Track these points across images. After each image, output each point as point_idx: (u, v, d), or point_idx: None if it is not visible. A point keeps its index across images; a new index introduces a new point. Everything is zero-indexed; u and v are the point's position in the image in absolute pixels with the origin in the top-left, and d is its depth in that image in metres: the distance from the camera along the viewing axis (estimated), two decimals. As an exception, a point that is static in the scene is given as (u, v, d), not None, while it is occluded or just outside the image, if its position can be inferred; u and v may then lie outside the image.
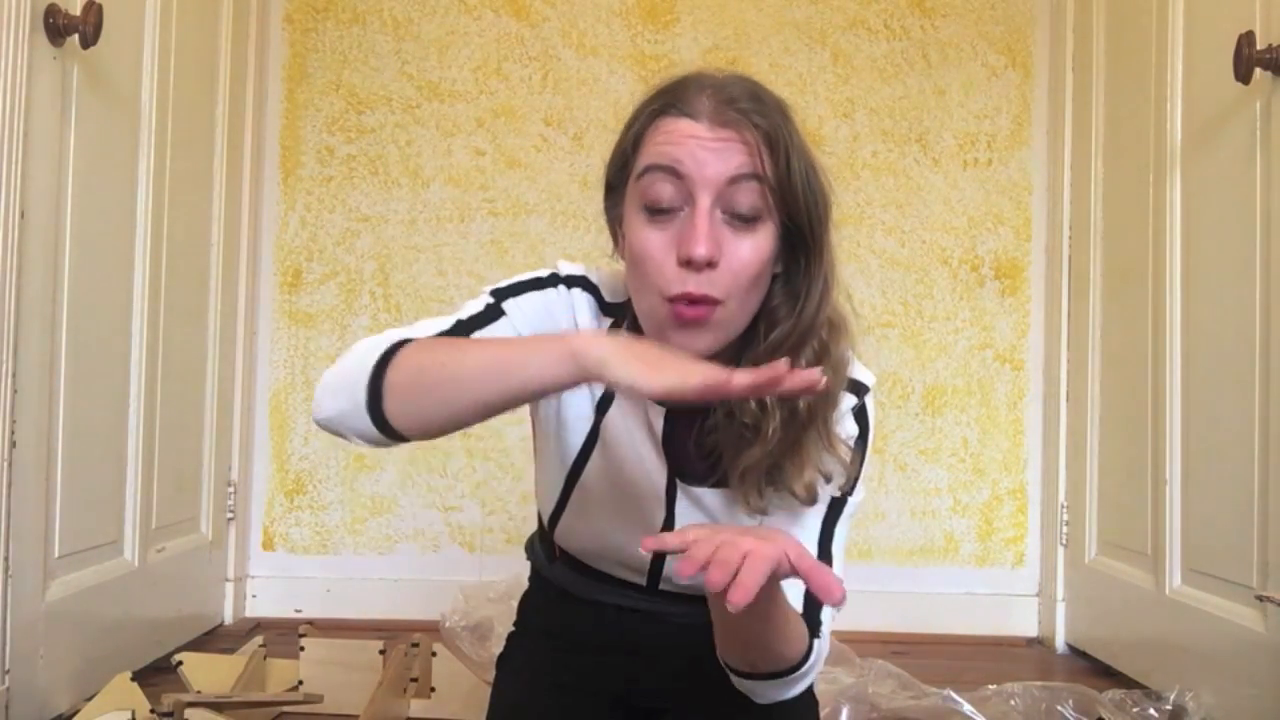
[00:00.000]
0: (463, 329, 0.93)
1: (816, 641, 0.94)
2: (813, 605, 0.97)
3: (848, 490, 0.99)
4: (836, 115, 2.35)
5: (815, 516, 0.99)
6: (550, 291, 0.99)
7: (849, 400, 0.97)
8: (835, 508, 1.00)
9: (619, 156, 0.95)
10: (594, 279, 1.01)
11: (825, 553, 0.99)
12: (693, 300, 0.87)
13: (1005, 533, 2.36)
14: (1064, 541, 2.26)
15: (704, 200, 0.87)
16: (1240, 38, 1.56)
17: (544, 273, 1.01)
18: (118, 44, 1.69)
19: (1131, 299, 2.01)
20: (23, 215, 1.46)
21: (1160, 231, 1.89)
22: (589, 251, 2.33)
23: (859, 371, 0.99)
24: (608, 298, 1.01)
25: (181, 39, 1.92)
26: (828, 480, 0.95)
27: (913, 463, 2.35)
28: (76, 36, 1.54)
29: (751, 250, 0.88)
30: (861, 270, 2.33)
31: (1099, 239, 2.17)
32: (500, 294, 0.97)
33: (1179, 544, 1.82)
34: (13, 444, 1.45)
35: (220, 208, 2.15)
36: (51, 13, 1.50)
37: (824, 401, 0.92)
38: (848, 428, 0.98)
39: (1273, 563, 1.55)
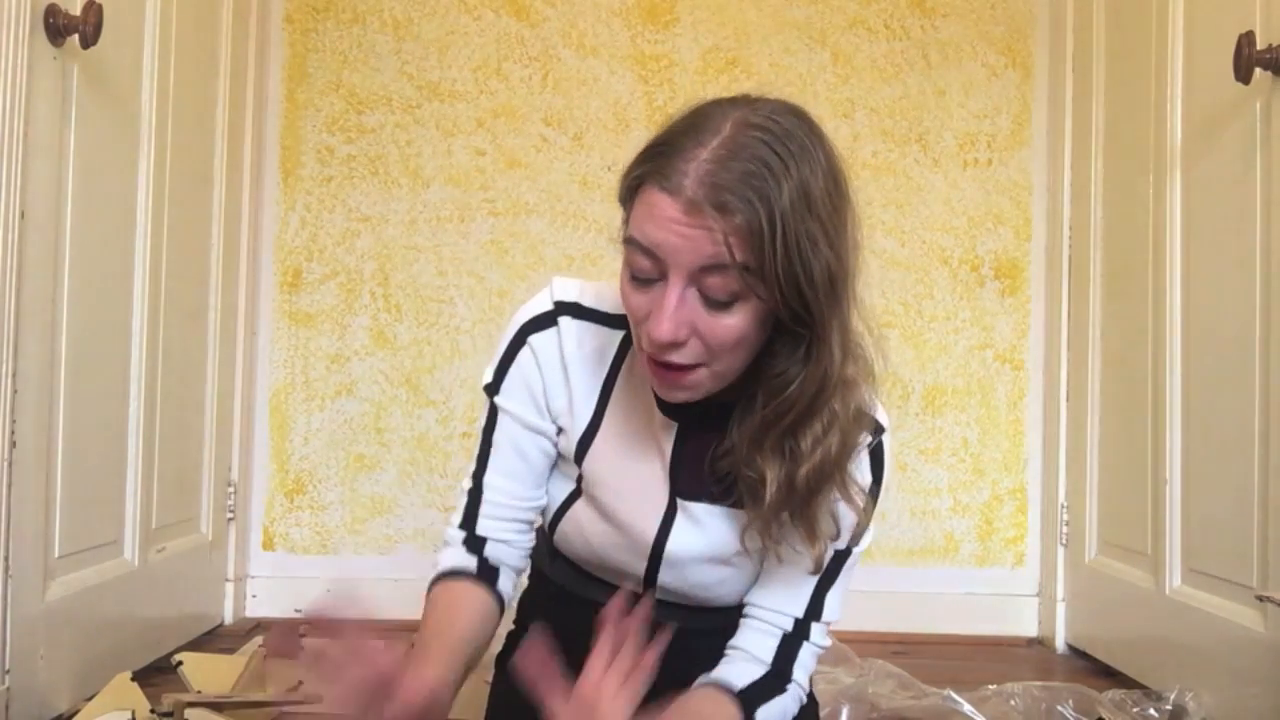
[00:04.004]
0: (480, 470, 1.06)
1: (782, 695, 1.00)
2: (785, 656, 1.01)
3: (854, 541, 1.01)
4: (836, 115, 2.34)
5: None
6: (523, 356, 1.03)
7: (864, 438, 0.97)
8: (838, 560, 1.02)
9: (621, 194, 0.93)
10: (590, 302, 1.03)
11: (818, 602, 1.03)
12: (665, 364, 0.88)
13: (1005, 533, 2.36)
14: (1064, 541, 2.26)
15: (676, 283, 0.85)
16: (1240, 38, 1.56)
17: (523, 319, 1.03)
18: (118, 44, 1.69)
19: (1131, 299, 2.01)
20: (23, 215, 1.46)
21: (1160, 231, 1.89)
22: (589, 251, 2.34)
23: (877, 412, 0.99)
24: (612, 310, 1.03)
25: (181, 39, 1.92)
26: (834, 539, 0.97)
27: (913, 463, 2.35)
28: (76, 36, 1.53)
29: (727, 329, 0.86)
30: (861, 270, 2.32)
31: (1099, 239, 2.17)
32: (491, 388, 1.05)
33: (1179, 544, 1.82)
34: (13, 444, 1.45)
35: (220, 208, 2.15)
36: (51, 13, 1.49)
37: (826, 473, 0.92)
38: (862, 474, 0.99)
39: (1273, 563, 1.55)
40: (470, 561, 1.05)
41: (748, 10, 2.37)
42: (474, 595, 1.03)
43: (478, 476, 1.06)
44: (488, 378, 1.05)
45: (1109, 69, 2.15)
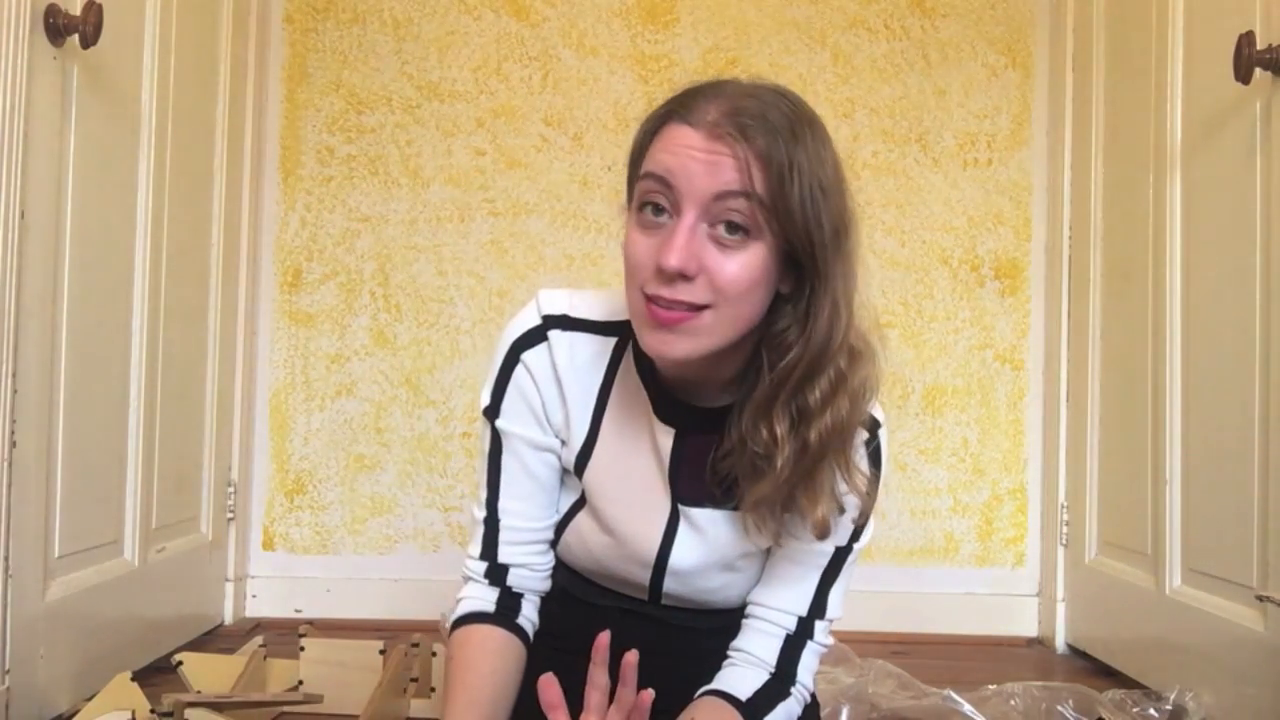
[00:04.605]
0: (492, 497, 1.04)
1: (787, 700, 1.00)
2: (789, 657, 1.01)
3: (854, 538, 1.01)
4: (836, 115, 2.34)
5: (818, 565, 1.01)
6: (518, 374, 1.02)
7: (861, 435, 0.97)
8: (839, 556, 1.02)
9: (633, 152, 0.95)
10: (578, 312, 1.02)
11: (821, 599, 1.02)
12: (667, 304, 0.87)
13: (1005, 533, 2.36)
14: (1064, 541, 2.26)
15: (689, 213, 0.86)
16: (1240, 38, 1.56)
17: (513, 336, 1.02)
18: (118, 44, 1.69)
19: (1131, 299, 2.01)
20: (23, 215, 1.46)
21: (1160, 231, 1.89)
22: (589, 251, 2.34)
23: (874, 409, 0.99)
24: (601, 318, 1.02)
25: (181, 39, 1.92)
26: (842, 513, 0.96)
27: (913, 463, 2.35)
28: (76, 36, 1.53)
29: (738, 268, 0.87)
30: (861, 270, 2.32)
31: (1099, 239, 2.17)
32: (490, 412, 1.04)
33: (1179, 544, 1.82)
34: (13, 444, 1.45)
35: (220, 208, 2.15)
36: (51, 13, 1.49)
37: (838, 434, 0.91)
38: (861, 466, 0.98)
39: (1273, 563, 1.55)
40: (491, 598, 1.04)
41: (748, 10, 2.37)
42: (495, 645, 1.02)
43: (491, 504, 1.04)
44: (485, 400, 1.04)
45: (1109, 69, 2.15)
